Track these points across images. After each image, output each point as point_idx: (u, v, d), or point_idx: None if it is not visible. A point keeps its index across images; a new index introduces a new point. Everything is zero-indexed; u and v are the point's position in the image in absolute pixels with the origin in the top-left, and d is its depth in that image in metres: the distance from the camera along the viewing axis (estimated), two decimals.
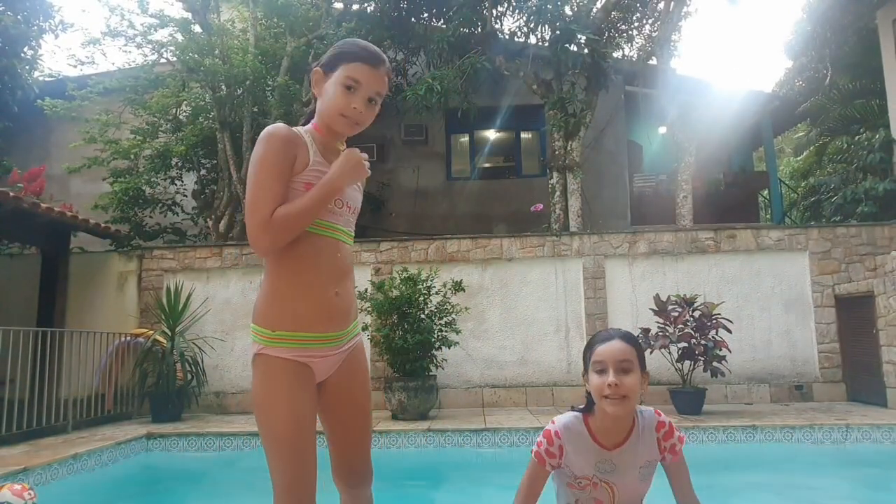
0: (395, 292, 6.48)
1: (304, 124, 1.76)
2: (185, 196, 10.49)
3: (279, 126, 1.63)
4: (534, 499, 1.93)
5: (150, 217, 10.09)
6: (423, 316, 6.48)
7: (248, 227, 1.57)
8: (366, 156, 1.69)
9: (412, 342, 6.22)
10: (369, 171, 1.69)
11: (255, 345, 1.66)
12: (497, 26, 9.99)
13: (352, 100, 1.63)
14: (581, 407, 1.95)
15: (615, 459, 1.87)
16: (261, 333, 1.63)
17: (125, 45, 9.75)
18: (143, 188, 9.82)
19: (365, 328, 6.72)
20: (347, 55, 1.64)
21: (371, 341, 6.96)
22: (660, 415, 1.94)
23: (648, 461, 1.90)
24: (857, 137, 11.33)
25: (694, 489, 1.98)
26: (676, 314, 6.27)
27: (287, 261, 1.61)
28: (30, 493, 3.03)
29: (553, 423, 1.94)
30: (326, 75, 1.66)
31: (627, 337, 1.88)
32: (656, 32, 10.67)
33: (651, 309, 6.47)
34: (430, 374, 6.50)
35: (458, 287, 6.63)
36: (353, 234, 1.79)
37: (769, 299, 7.48)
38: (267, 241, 1.55)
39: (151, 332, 7.15)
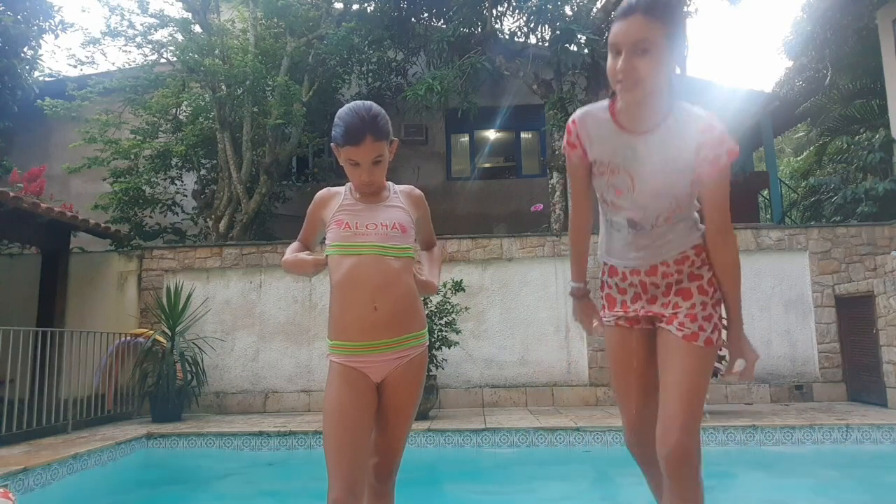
0: None
1: None
2: (185, 196, 10.49)
3: (321, 192, 2.14)
4: (581, 195, 1.95)
5: (150, 217, 10.09)
6: None
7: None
8: (312, 263, 1.99)
9: None
10: (314, 272, 1.99)
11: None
12: (497, 26, 9.98)
13: (359, 173, 1.95)
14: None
15: (639, 146, 1.72)
16: (328, 343, 2.01)
17: (125, 45, 9.77)
18: (143, 188, 9.82)
19: None
20: (337, 139, 1.94)
21: None
22: (713, 118, 1.70)
23: (677, 158, 1.69)
24: (857, 137, 11.33)
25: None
26: None
27: (333, 281, 1.97)
28: (9, 501, 2.99)
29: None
30: (337, 149, 1.97)
31: (653, 7, 1.54)
32: None
33: None
34: (430, 374, 6.50)
35: (458, 287, 6.63)
36: (406, 246, 1.99)
37: (769, 299, 7.48)
38: None
39: (151, 332, 7.15)
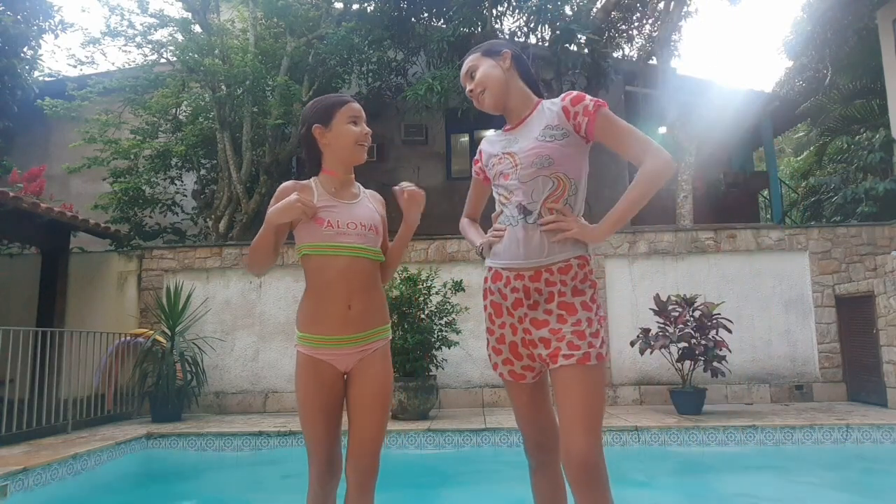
0: (395, 292, 6.48)
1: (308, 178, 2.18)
2: (185, 196, 10.49)
3: (285, 183, 2.13)
4: (473, 204, 2.29)
5: (150, 217, 10.09)
6: (423, 316, 6.48)
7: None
8: (297, 199, 1.98)
9: (412, 342, 6.22)
10: (301, 214, 1.99)
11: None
12: (497, 26, 9.99)
13: (361, 129, 2.09)
14: None
15: (517, 134, 2.00)
16: (297, 334, 2.07)
17: (125, 45, 9.77)
18: (143, 188, 9.82)
19: None
20: (336, 104, 2.08)
21: None
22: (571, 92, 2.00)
23: (549, 125, 1.93)
24: (857, 137, 11.34)
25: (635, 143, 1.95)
26: (676, 314, 6.26)
27: (308, 279, 2.05)
28: None
29: None
30: (326, 127, 2.06)
31: (475, 49, 2.10)
32: (656, 32, 10.67)
33: (651, 309, 6.46)
34: (430, 374, 6.50)
35: (458, 287, 6.63)
36: (379, 250, 2.12)
37: (769, 299, 7.48)
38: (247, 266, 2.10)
39: (151, 332, 7.15)
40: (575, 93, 1.94)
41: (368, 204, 2.15)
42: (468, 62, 2.08)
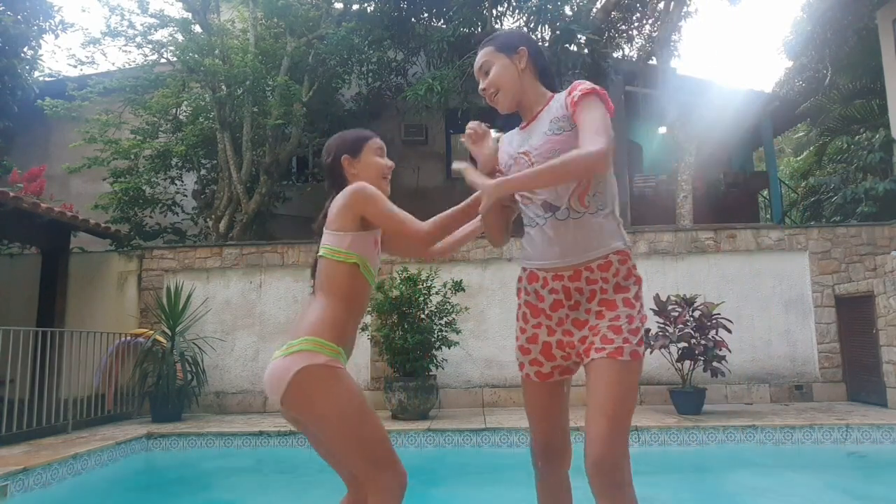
0: (395, 292, 6.48)
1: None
2: (185, 196, 10.49)
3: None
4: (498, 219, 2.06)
5: (150, 217, 10.10)
6: (423, 316, 6.49)
7: (420, 237, 1.97)
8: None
9: (412, 342, 6.22)
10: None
11: (310, 355, 1.81)
12: (497, 26, 9.99)
13: (386, 162, 2.15)
14: None
15: (530, 131, 1.98)
16: (325, 347, 1.84)
17: (125, 45, 9.77)
18: (143, 188, 9.82)
19: (365, 328, 6.72)
20: (364, 137, 2.13)
21: (371, 341, 6.96)
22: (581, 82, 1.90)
23: (555, 117, 1.90)
24: (857, 137, 11.34)
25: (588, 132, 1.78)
26: (676, 314, 6.27)
27: (349, 294, 1.95)
28: None
29: None
30: (356, 157, 2.09)
31: (487, 42, 2.02)
32: (656, 32, 10.67)
33: (651, 309, 6.46)
34: (430, 374, 6.50)
35: (458, 287, 6.63)
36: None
37: (769, 299, 7.48)
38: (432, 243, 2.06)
39: (151, 332, 7.15)
40: (581, 82, 1.87)
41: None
42: (482, 57, 2.01)
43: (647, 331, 1.83)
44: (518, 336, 1.99)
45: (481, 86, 2.01)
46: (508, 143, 2.05)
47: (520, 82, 1.95)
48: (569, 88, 1.88)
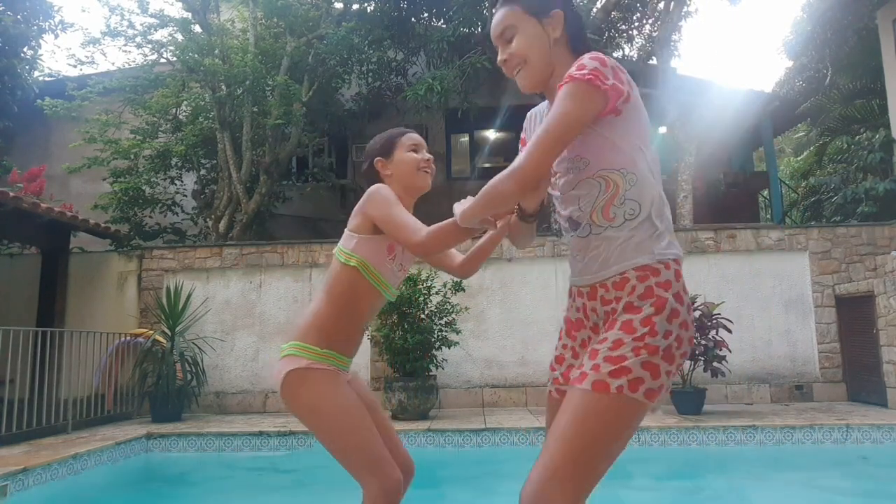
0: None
1: None
2: (185, 196, 10.50)
3: (384, 185, 2.00)
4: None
5: (150, 217, 10.10)
6: (423, 316, 6.48)
7: (414, 244, 1.81)
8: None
9: (412, 342, 6.22)
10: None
11: (293, 360, 1.91)
12: None
13: (422, 156, 2.05)
14: None
15: None
16: (308, 350, 1.91)
17: (125, 45, 9.78)
18: (143, 188, 9.83)
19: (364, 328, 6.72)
20: (396, 136, 2.07)
21: (371, 341, 6.96)
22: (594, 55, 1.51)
23: None
24: (857, 137, 11.33)
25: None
26: None
27: (347, 296, 1.95)
28: None
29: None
30: (389, 158, 2.04)
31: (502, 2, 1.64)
32: (656, 32, 10.67)
33: None
34: (430, 374, 6.50)
35: (458, 287, 6.63)
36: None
37: (769, 299, 7.48)
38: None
39: (151, 332, 7.15)
40: (581, 59, 1.45)
41: None
42: (504, 18, 1.60)
43: (651, 366, 1.37)
44: (556, 345, 1.76)
45: (501, 56, 1.62)
46: (532, 122, 1.79)
47: (550, 55, 1.56)
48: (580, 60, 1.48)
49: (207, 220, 9.96)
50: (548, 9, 1.56)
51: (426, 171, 2.06)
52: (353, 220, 1.94)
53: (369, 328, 6.74)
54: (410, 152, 2.04)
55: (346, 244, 1.94)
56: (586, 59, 1.44)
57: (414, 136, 2.09)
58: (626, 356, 1.39)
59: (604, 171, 1.48)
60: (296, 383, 1.88)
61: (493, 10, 1.73)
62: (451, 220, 1.69)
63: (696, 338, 6.16)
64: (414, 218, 1.86)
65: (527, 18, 1.57)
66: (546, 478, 1.34)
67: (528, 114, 1.82)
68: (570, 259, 1.63)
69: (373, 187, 1.94)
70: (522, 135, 1.82)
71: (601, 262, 1.51)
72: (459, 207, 1.63)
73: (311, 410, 1.87)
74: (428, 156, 2.08)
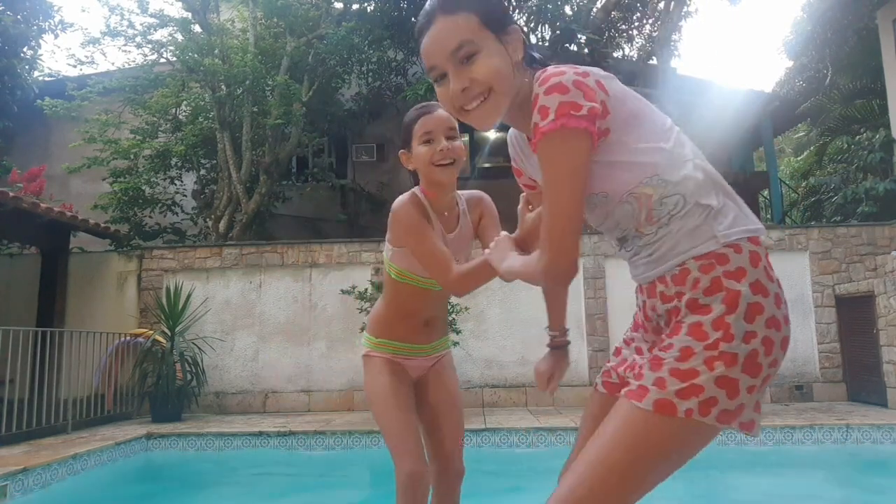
0: None
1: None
2: (185, 196, 10.49)
3: (404, 201, 1.87)
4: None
5: (150, 217, 10.10)
6: None
7: (446, 284, 1.79)
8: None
9: None
10: None
11: (363, 348, 2.13)
12: None
13: (434, 147, 1.81)
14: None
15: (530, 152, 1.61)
16: (369, 340, 2.10)
17: (125, 44, 9.79)
18: (143, 188, 9.83)
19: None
20: (409, 123, 1.87)
21: None
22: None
23: None
24: (857, 137, 11.33)
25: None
26: None
27: (392, 293, 2.05)
28: None
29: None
30: (410, 150, 1.88)
31: (445, 5, 1.23)
32: (656, 32, 10.67)
33: None
34: None
35: None
36: None
37: None
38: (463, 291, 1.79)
39: (151, 332, 7.15)
40: (541, 91, 1.15)
41: (466, 232, 2.03)
42: (456, 26, 1.21)
43: (727, 382, 1.11)
44: (625, 331, 1.55)
45: (459, 82, 1.22)
46: (519, 149, 1.54)
47: (513, 81, 1.26)
48: (535, 89, 1.18)
49: (207, 220, 9.95)
50: (505, 23, 1.25)
51: (442, 165, 1.81)
52: (388, 233, 1.94)
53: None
54: (423, 144, 1.81)
55: (386, 253, 1.98)
56: (542, 92, 1.14)
57: (428, 121, 1.81)
58: (698, 370, 1.13)
59: (628, 192, 1.24)
60: (362, 368, 2.11)
61: (438, 106, 1.61)
62: (483, 260, 1.61)
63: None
64: (442, 250, 1.78)
65: (486, 33, 1.22)
66: (572, 498, 1.13)
67: (508, 138, 1.57)
68: (629, 264, 1.38)
69: (394, 206, 1.86)
70: (513, 164, 1.61)
71: (657, 259, 1.26)
72: (498, 257, 1.48)
73: (365, 391, 2.09)
74: (442, 144, 1.79)
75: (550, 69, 1.20)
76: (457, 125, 1.79)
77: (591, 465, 1.15)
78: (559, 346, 1.79)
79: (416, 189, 1.93)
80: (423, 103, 1.91)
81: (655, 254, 1.26)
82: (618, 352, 1.49)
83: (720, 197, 1.24)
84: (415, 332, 2.05)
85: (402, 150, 1.92)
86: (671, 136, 1.27)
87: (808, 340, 7.39)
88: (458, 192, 2.01)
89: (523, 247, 1.47)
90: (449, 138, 1.81)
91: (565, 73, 1.18)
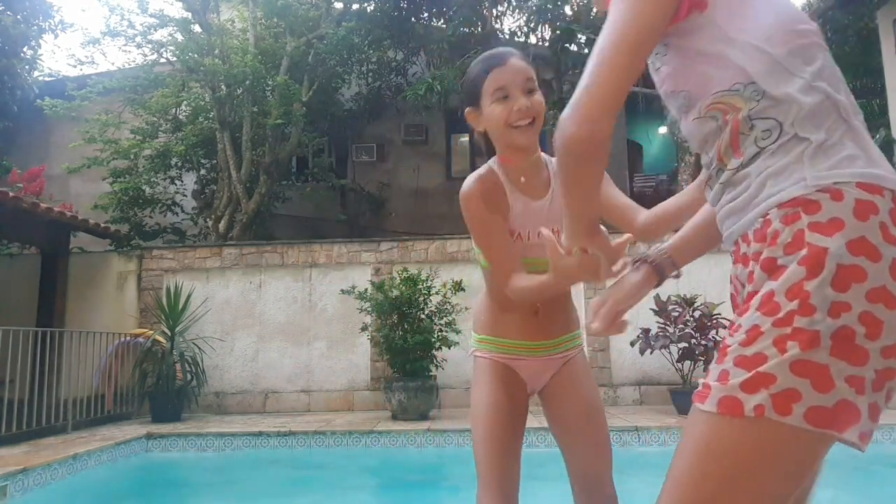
0: (395, 292, 6.48)
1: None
2: (185, 196, 10.50)
3: (471, 186, 1.60)
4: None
5: (150, 217, 10.10)
6: (423, 316, 6.48)
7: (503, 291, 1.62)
8: (604, 265, 1.31)
9: (412, 342, 6.22)
10: (603, 279, 1.35)
11: (472, 348, 1.93)
12: (497, 26, 9.99)
13: (510, 105, 1.54)
14: None
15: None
16: (474, 337, 1.88)
17: (125, 44, 9.81)
18: (143, 188, 9.83)
19: (364, 328, 6.73)
20: (478, 78, 1.60)
21: (371, 341, 6.96)
22: None
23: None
24: None
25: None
26: (677, 314, 6.26)
27: (490, 283, 1.78)
28: None
29: None
30: (477, 109, 1.62)
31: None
32: None
33: (651, 309, 6.46)
34: (430, 374, 6.50)
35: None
36: None
37: None
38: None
39: (151, 332, 7.15)
40: None
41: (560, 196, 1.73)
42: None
43: (808, 367, 0.84)
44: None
45: (524, 102, 1.55)
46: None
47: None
48: None
49: (207, 220, 9.96)
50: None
51: (520, 127, 1.54)
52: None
53: (369, 328, 6.73)
54: (496, 103, 1.55)
55: (475, 245, 1.73)
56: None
57: (501, 74, 1.55)
58: (766, 354, 0.87)
59: (715, 100, 0.99)
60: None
61: (511, 54, 1.60)
62: (544, 279, 1.44)
63: (696, 338, 6.15)
64: (504, 255, 1.58)
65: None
66: None
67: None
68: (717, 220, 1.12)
69: (462, 189, 1.61)
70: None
71: (740, 207, 0.99)
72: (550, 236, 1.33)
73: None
74: (520, 102, 1.53)
75: None
76: (535, 75, 1.61)
77: (668, 490, 1.01)
78: (648, 263, 1.40)
79: (491, 162, 1.67)
80: (490, 52, 1.63)
81: (738, 199, 0.99)
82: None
83: (836, 133, 0.92)
84: (524, 325, 1.71)
85: (468, 109, 1.64)
86: (793, 43, 0.96)
87: None
88: (547, 157, 1.70)
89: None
90: (529, 92, 1.56)
91: None
